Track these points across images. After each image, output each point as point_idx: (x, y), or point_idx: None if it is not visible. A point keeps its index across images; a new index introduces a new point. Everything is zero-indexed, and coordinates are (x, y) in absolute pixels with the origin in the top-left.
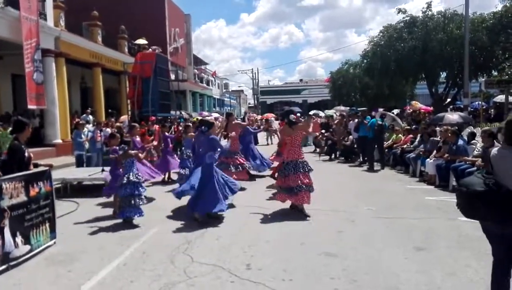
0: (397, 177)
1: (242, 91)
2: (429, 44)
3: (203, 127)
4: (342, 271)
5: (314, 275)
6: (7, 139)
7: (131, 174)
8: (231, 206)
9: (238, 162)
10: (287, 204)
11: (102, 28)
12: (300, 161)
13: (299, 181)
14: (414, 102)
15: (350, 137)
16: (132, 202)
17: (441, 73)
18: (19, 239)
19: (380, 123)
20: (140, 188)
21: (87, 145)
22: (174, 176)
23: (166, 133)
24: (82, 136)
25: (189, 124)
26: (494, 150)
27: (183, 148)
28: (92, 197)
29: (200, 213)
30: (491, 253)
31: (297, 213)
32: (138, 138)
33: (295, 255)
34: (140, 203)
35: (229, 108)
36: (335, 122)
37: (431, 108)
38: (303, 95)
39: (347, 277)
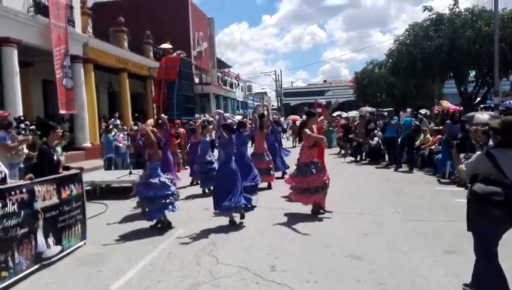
0: (425, 178)
1: (265, 93)
2: (457, 42)
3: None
4: (368, 273)
5: (339, 278)
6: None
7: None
8: (253, 207)
9: (266, 167)
10: (310, 206)
11: (128, 33)
12: (310, 162)
13: (313, 183)
14: (442, 101)
15: (376, 138)
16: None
17: (469, 71)
18: (51, 239)
19: (418, 123)
20: (165, 191)
21: (123, 145)
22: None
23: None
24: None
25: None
26: (494, 152)
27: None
28: (120, 199)
29: (223, 210)
30: (487, 252)
31: (321, 215)
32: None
33: (320, 257)
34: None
35: (252, 110)
36: (355, 123)
37: (461, 108)
38: (327, 96)
39: (374, 280)
